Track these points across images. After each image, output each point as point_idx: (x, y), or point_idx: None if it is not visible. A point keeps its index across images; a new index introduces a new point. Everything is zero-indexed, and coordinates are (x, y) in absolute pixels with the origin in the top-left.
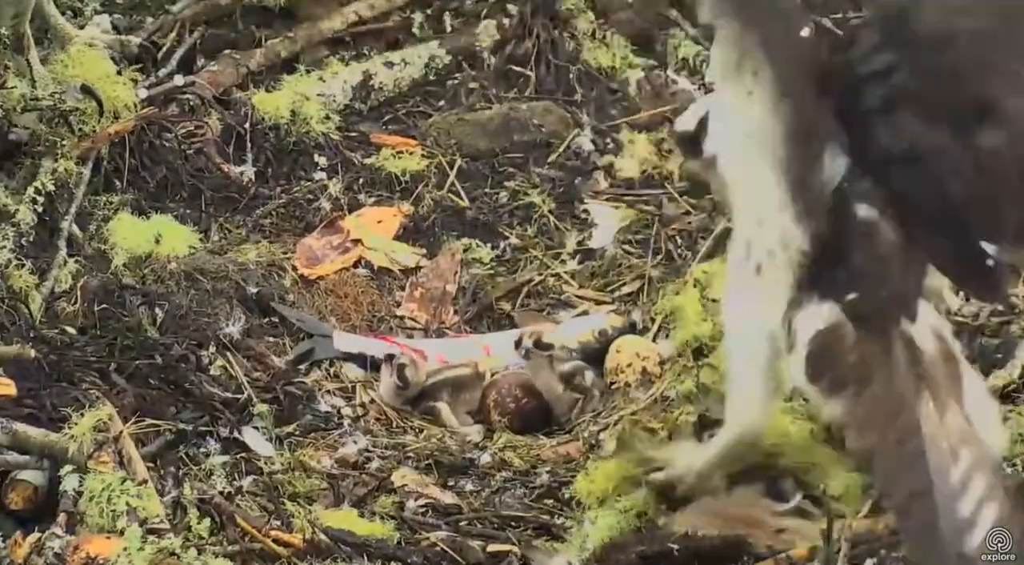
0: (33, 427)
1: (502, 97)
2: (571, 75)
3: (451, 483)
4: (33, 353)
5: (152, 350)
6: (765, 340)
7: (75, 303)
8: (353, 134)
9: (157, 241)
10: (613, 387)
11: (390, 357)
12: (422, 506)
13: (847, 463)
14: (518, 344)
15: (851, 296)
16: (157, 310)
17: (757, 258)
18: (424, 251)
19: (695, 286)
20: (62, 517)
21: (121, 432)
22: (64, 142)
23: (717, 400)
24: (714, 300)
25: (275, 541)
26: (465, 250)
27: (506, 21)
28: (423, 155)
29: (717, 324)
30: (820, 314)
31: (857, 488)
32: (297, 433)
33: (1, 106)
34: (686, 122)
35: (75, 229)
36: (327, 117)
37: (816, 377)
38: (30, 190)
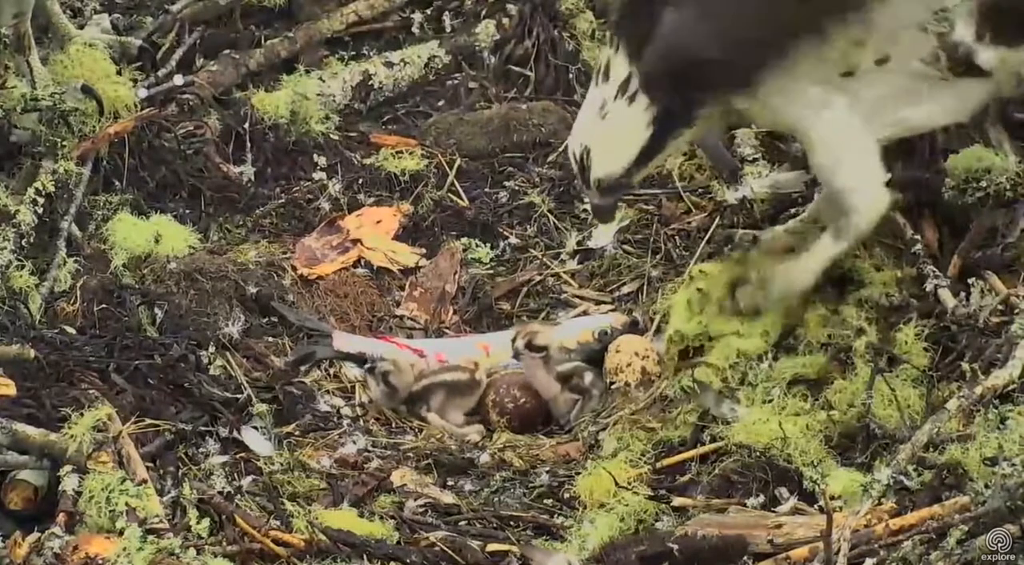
0: (33, 427)
1: (502, 97)
2: (571, 75)
3: (450, 483)
4: (33, 353)
5: (151, 350)
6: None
7: (75, 303)
8: (353, 134)
9: (156, 241)
10: (613, 387)
11: (371, 369)
12: (421, 506)
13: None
14: (513, 343)
15: None
16: (156, 310)
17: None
18: (424, 251)
19: (689, 284)
20: (61, 517)
21: (120, 432)
22: (64, 143)
23: (713, 397)
24: (700, 289)
25: (274, 541)
26: (465, 250)
27: (506, 21)
28: (423, 155)
29: (703, 322)
30: None
31: (857, 487)
32: (296, 433)
33: (1, 107)
34: None
35: (75, 229)
36: (327, 117)
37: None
38: (30, 191)
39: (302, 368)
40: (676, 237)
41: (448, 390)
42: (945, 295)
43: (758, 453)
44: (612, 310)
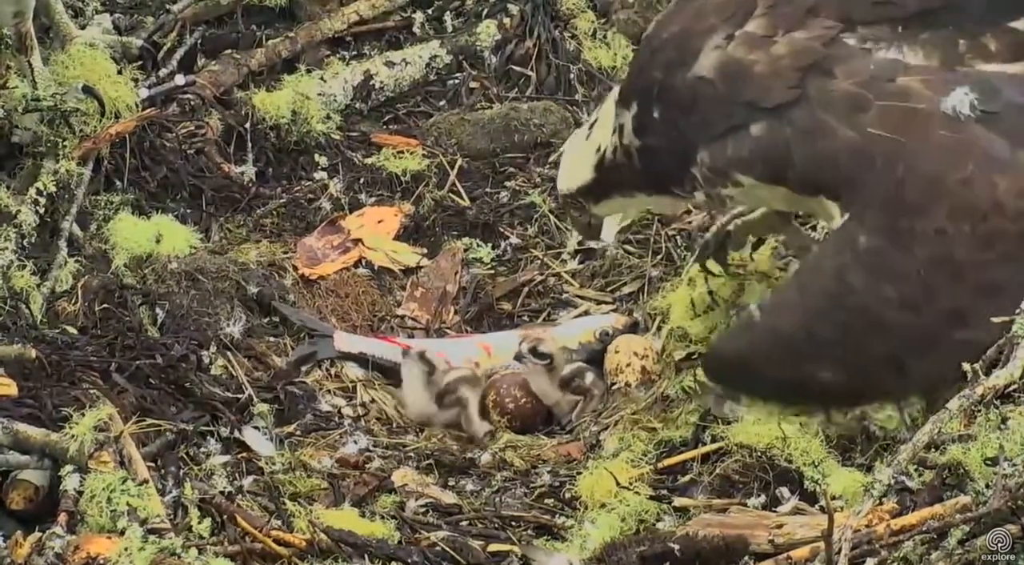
0: (34, 427)
1: (503, 97)
2: (571, 75)
3: (451, 483)
4: (34, 353)
5: (153, 350)
6: None
7: (76, 303)
8: (354, 134)
9: (158, 241)
10: (614, 388)
11: (405, 353)
12: (422, 506)
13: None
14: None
15: None
16: (158, 310)
17: None
18: (425, 251)
19: (689, 284)
20: (63, 517)
21: (122, 432)
22: (65, 143)
23: (714, 397)
24: (711, 292)
25: (276, 541)
26: (466, 250)
27: (507, 21)
28: (424, 155)
29: (707, 325)
30: None
31: (858, 487)
32: (298, 433)
33: (3, 107)
34: None
35: (76, 229)
36: (328, 117)
37: None
38: (32, 191)
39: (303, 368)
40: (676, 237)
41: (467, 383)
42: None
43: (759, 453)
44: (613, 310)
